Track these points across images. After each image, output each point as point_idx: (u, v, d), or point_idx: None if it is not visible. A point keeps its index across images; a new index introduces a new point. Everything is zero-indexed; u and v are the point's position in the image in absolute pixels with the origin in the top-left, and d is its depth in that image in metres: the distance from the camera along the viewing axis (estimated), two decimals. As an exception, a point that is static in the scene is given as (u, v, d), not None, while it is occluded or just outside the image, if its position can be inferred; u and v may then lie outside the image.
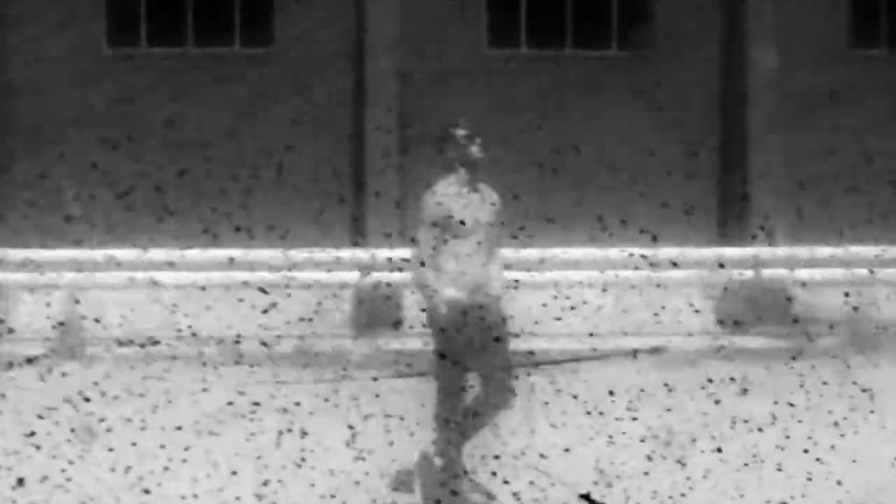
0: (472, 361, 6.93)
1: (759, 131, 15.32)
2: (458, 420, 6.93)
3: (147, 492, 7.22)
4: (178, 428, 8.76)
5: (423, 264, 6.88)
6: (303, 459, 7.86)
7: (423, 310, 7.00)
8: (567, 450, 8.06)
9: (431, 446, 6.98)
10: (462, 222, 6.87)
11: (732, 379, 11.29)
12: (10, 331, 14.23)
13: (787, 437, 8.62)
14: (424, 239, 6.89)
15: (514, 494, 7.04)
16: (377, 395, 10.23)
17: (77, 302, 13.73)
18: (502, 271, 7.12)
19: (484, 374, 6.93)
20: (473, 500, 6.96)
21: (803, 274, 14.09)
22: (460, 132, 6.98)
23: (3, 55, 15.07)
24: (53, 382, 11.15)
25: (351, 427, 8.90)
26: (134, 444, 8.11)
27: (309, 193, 15.18)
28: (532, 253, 13.93)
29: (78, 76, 15.19)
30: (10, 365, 12.21)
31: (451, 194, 6.92)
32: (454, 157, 6.96)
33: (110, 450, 8.01)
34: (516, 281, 13.26)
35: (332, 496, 7.11)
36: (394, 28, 15.11)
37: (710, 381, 11.28)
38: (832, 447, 8.27)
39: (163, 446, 8.11)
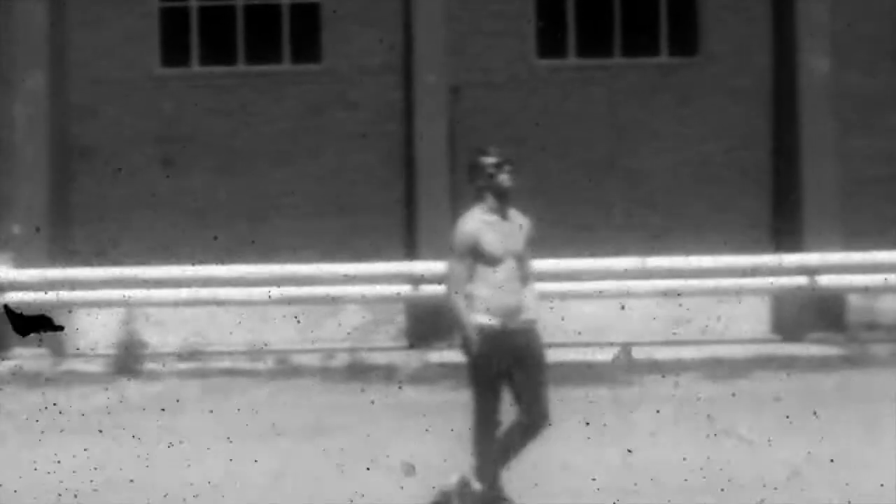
0: (507, 386, 6.96)
1: (813, 135, 15.11)
2: (495, 444, 6.97)
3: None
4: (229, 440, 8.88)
5: (455, 293, 6.91)
6: (338, 476, 7.92)
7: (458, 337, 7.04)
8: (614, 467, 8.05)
9: (469, 470, 7.01)
10: (492, 252, 6.90)
11: (791, 388, 11.18)
12: (74, 348, 14.46)
13: (846, 446, 8.55)
14: (456, 268, 6.93)
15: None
16: (424, 415, 10.28)
17: (135, 319, 13.91)
18: (536, 295, 7.13)
19: (520, 399, 6.96)
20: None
21: (860, 280, 13.93)
22: (489, 160, 6.97)
23: (61, 77, 15.30)
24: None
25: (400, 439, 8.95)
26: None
27: (361, 208, 15.25)
28: (583, 262, 13.89)
29: (132, 96, 15.38)
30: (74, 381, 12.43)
31: (481, 223, 6.95)
32: (484, 186, 6.99)
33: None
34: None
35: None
36: (442, 41, 15.12)
37: (768, 389, 11.20)
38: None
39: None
